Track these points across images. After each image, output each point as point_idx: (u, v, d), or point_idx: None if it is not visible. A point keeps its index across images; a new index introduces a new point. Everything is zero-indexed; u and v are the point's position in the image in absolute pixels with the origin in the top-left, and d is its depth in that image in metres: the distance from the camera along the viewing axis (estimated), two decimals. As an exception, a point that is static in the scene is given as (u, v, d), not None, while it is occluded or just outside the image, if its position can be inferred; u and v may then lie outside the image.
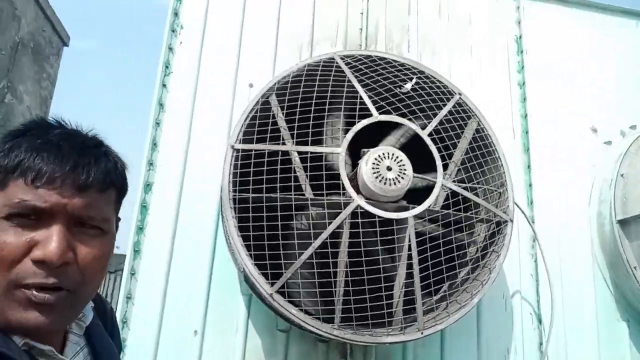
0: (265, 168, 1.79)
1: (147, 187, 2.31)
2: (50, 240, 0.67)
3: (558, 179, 2.97)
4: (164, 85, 2.45)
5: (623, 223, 2.75)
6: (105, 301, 0.98)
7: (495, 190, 2.24)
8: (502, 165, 2.25)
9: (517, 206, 2.43)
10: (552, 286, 2.72)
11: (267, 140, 1.84)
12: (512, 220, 2.19)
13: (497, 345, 2.59)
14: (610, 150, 3.07)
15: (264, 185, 1.80)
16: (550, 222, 2.86)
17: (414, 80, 2.20)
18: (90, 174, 0.71)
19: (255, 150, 1.82)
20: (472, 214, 2.09)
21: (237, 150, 1.84)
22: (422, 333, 1.91)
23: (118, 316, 2.19)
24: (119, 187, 0.80)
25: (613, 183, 2.88)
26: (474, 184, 2.14)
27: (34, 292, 0.67)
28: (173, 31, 2.55)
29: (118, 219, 0.83)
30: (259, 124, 1.87)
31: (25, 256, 0.66)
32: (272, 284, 1.82)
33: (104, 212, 0.75)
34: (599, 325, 2.78)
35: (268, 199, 1.80)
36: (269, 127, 1.85)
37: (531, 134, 3.01)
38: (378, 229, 1.78)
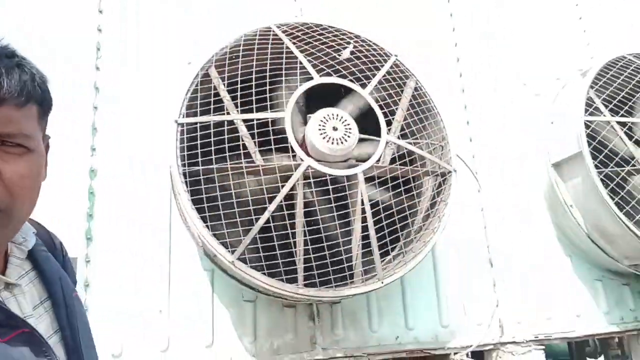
0: (212, 139, 1.81)
1: (92, 172, 2.25)
2: None
3: (494, 130, 3.15)
4: (98, 68, 2.38)
5: (557, 166, 2.97)
6: (54, 235, 0.95)
7: (438, 144, 2.36)
8: (441, 120, 2.37)
9: (460, 158, 2.58)
10: (501, 231, 2.92)
11: (211, 112, 1.85)
12: (455, 170, 2.33)
13: (454, 291, 2.75)
14: (540, 101, 3.28)
15: (214, 157, 1.82)
16: (491, 172, 3.04)
17: (351, 46, 2.27)
18: (3, 86, 0.65)
19: (200, 123, 1.83)
20: (417, 166, 2.20)
21: (182, 125, 1.85)
22: (382, 282, 2.01)
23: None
24: (39, 101, 0.73)
25: (545, 131, 3.10)
26: (416, 139, 2.24)
27: None
28: (100, 12, 2.47)
29: (47, 137, 0.78)
30: (201, 97, 1.88)
31: None
32: (233, 252, 1.85)
33: (25, 128, 0.69)
34: (545, 263, 3.00)
35: (219, 170, 1.83)
36: (212, 99, 1.87)
37: (467, 91, 3.16)
38: (330, 186, 1.84)
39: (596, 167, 2.67)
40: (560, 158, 2.93)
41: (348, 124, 1.93)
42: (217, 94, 1.90)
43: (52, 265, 0.86)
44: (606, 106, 2.82)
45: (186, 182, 1.84)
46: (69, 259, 0.97)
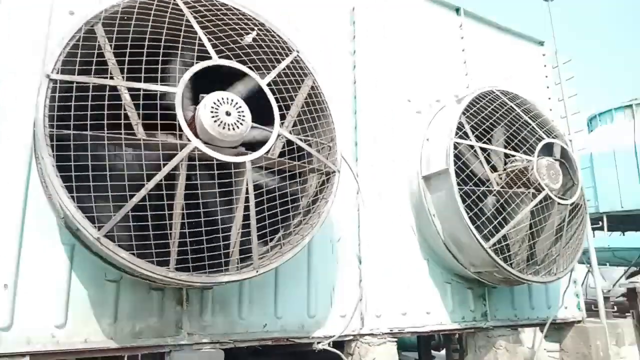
0: (89, 103, 1.65)
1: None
2: None
3: (378, 139, 3.38)
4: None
5: (426, 179, 3.29)
6: None
7: (326, 144, 2.45)
8: (332, 122, 2.47)
9: (345, 160, 2.71)
10: (372, 232, 3.14)
11: (92, 73, 1.69)
12: (339, 171, 2.45)
13: (324, 284, 2.90)
14: (420, 118, 3.60)
15: (88, 122, 1.66)
16: (371, 177, 3.26)
17: (254, 33, 2.25)
18: None
19: (78, 83, 1.66)
20: (304, 162, 2.26)
21: (55, 82, 1.66)
22: (257, 271, 2.03)
23: None
24: None
25: (421, 146, 3.41)
26: (307, 135, 2.31)
27: None
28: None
29: None
30: (82, 55, 1.70)
31: None
32: (100, 228, 1.72)
33: None
34: (406, 264, 3.31)
35: (94, 137, 1.68)
36: (95, 59, 1.71)
37: (359, 99, 3.35)
38: (216, 171, 1.81)
39: (458, 184, 3.01)
40: (429, 172, 3.25)
41: (242, 111, 1.92)
42: (101, 55, 1.74)
43: None
44: (473, 132, 3.19)
45: (52, 145, 1.66)
46: None
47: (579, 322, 4.24)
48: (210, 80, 2.09)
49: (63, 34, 1.71)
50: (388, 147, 3.42)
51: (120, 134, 1.71)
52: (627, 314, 9.16)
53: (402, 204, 3.40)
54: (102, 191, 1.72)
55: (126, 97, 1.70)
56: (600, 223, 11.89)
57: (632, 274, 9.99)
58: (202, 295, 2.44)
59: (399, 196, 3.40)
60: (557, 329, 4.25)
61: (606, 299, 7.13)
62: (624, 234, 13.56)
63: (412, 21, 3.82)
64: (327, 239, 2.95)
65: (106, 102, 1.63)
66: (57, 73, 1.65)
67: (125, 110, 1.70)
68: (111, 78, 1.70)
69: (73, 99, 1.62)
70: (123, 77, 1.71)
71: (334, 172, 2.43)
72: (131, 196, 1.74)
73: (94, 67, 1.67)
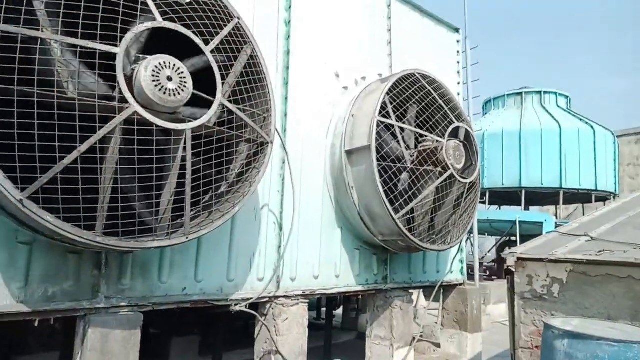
0: (18, 56, 1.51)
1: None
2: None
3: (306, 112, 3.47)
4: None
5: (348, 153, 3.47)
6: None
7: (261, 115, 2.48)
8: (269, 92, 2.50)
9: (277, 131, 2.76)
10: (294, 201, 3.27)
11: (21, 23, 1.53)
12: (272, 143, 2.50)
13: (245, 249, 2.99)
14: (347, 94, 3.75)
15: (16, 76, 1.52)
16: (297, 148, 3.37)
17: (195, -8, 2.16)
18: None
19: (4, 33, 1.50)
20: (241, 133, 2.28)
21: (-23, 27, 1.47)
22: (187, 238, 2.05)
23: None
24: None
25: (345, 121, 3.57)
26: (245, 106, 2.32)
27: None
28: None
29: None
30: (8, 2, 1.53)
31: None
32: (23, 190, 1.61)
33: None
34: (322, 232, 3.52)
35: (21, 93, 1.55)
36: (24, 8, 1.54)
37: (291, 70, 3.38)
38: (155, 138, 1.77)
39: (377, 160, 3.24)
40: (352, 147, 3.43)
41: (184, 77, 1.88)
42: (30, 3, 1.57)
43: None
44: (394, 112, 3.42)
45: (-30, 97, 1.50)
46: None
47: (461, 284, 4.87)
48: (148, 41, 2.00)
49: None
50: (315, 120, 3.53)
51: (52, 90, 1.59)
52: (493, 277, 10.70)
53: (322, 176, 3.57)
54: (29, 151, 1.61)
55: (58, 52, 1.57)
56: (484, 198, 13.41)
57: (502, 244, 11.54)
58: (121, 259, 2.39)
59: (321, 168, 3.56)
60: (442, 291, 4.85)
61: (480, 264, 8.27)
62: (500, 208, 15.44)
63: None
64: (251, 207, 3.03)
65: (37, 57, 1.50)
66: (-21, 17, 1.47)
67: (57, 66, 1.57)
68: (42, 31, 1.55)
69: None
70: (56, 30, 1.57)
71: (268, 143, 2.48)
72: (61, 158, 1.65)
73: (22, 17, 1.51)
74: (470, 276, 5.64)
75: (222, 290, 2.87)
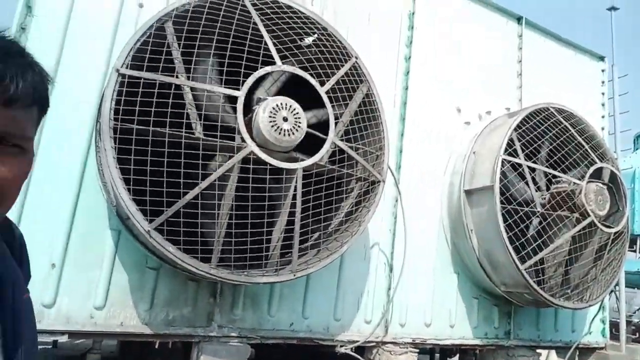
0: (154, 100, 1.67)
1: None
2: None
3: (424, 149, 3.33)
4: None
5: (468, 193, 3.22)
6: (15, 226, 0.88)
7: (374, 153, 2.43)
8: (383, 130, 2.44)
9: (390, 169, 2.68)
10: (407, 241, 3.11)
11: (160, 70, 1.70)
12: (384, 181, 2.42)
13: (353, 288, 2.90)
14: (469, 130, 3.52)
15: (152, 118, 1.68)
16: (412, 186, 3.22)
17: (315, 35, 2.22)
18: (18, 87, 0.62)
19: (145, 79, 1.68)
20: (352, 171, 2.24)
21: (123, 76, 1.68)
22: (294, 275, 2.04)
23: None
24: (43, 103, 0.71)
25: (466, 158, 3.33)
26: (357, 144, 2.29)
27: None
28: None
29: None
30: (150, 52, 1.71)
31: None
32: (151, 221, 1.75)
33: (25, 129, 0.67)
34: (436, 276, 3.28)
35: (155, 133, 1.70)
36: (163, 57, 1.72)
37: (409, 105, 3.29)
38: (268, 176, 1.81)
39: (501, 202, 2.95)
40: (472, 186, 3.18)
41: (299, 118, 1.91)
42: (169, 52, 1.75)
43: (6, 266, 0.78)
44: (523, 150, 3.10)
45: (115, 138, 1.69)
46: (27, 252, 0.89)
47: (601, 348, 4.14)
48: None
49: (131, 29, 1.73)
50: (432, 157, 3.36)
51: (181, 131, 1.72)
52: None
53: (438, 216, 3.36)
54: (157, 186, 1.75)
55: (189, 96, 1.71)
56: (635, 246, 11.52)
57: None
58: (234, 290, 2.48)
59: (437, 207, 3.35)
60: (577, 354, 4.17)
61: (628, 322, 6.97)
62: (655, 258, 13.11)
63: (470, 28, 3.70)
64: (361, 245, 2.95)
65: (170, 101, 1.64)
66: (126, 68, 1.67)
67: (186, 109, 1.71)
68: (177, 77, 1.71)
69: (139, 94, 1.64)
70: (188, 76, 1.71)
71: (380, 181, 2.41)
72: (184, 193, 1.76)
73: (161, 65, 1.68)
74: (615, 336, 4.78)
75: (329, 329, 2.81)
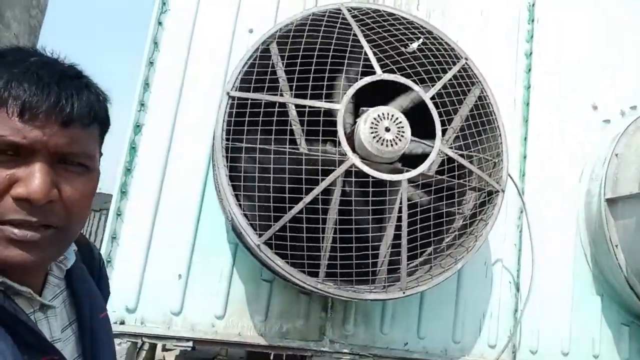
0: (260, 118, 1.74)
1: (137, 128, 2.25)
2: (33, 178, 0.62)
3: (553, 153, 2.96)
4: (160, 23, 2.34)
5: (611, 202, 2.78)
6: (94, 247, 0.94)
7: (491, 160, 2.22)
8: (500, 135, 2.22)
9: (510, 177, 2.43)
10: (534, 257, 2.78)
11: (265, 90, 1.78)
12: (503, 191, 2.20)
13: (474, 308, 2.67)
14: (608, 129, 3.05)
15: (258, 136, 1.76)
16: (540, 195, 2.88)
17: (420, 40, 2.12)
18: (74, 107, 0.65)
19: (252, 100, 1.76)
20: (465, 181, 2.08)
21: (233, 98, 1.79)
22: (404, 293, 1.95)
23: (103, 257, 2.20)
24: (102, 121, 0.74)
25: (606, 162, 2.88)
26: (470, 151, 2.12)
27: (15, 229, 0.63)
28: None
29: (100, 154, 0.78)
30: (257, 73, 1.80)
31: (5, 193, 0.62)
32: (260, 235, 1.82)
33: (87, 148, 0.70)
34: (574, 298, 2.87)
35: (261, 150, 1.77)
36: (267, 77, 1.79)
37: (532, 105, 2.97)
38: (370, 189, 1.77)
39: (655, 213, 2.48)
40: (616, 194, 2.73)
41: (402, 127, 1.83)
42: (273, 72, 1.82)
43: (84, 285, 0.84)
44: (682, 150, 2.59)
45: (227, 156, 1.79)
46: (106, 271, 0.97)
47: None
48: (374, 88, 2.05)
49: (242, 53, 1.84)
50: (562, 162, 2.98)
51: (285, 147, 1.77)
52: None
53: (574, 228, 2.94)
54: (264, 200, 1.82)
55: (293, 112, 1.75)
56: None
57: None
58: (346, 304, 2.45)
59: (571, 219, 2.94)
60: None
61: None
62: None
63: (600, 12, 3.23)
64: (481, 261, 2.71)
65: (275, 118, 1.70)
66: (236, 90, 1.77)
67: (290, 125, 1.75)
68: (281, 95, 1.76)
69: (247, 114, 1.73)
70: (291, 93, 1.76)
71: (498, 191, 2.19)
72: (290, 208, 1.80)
73: (266, 85, 1.76)
74: None
75: (447, 352, 2.62)
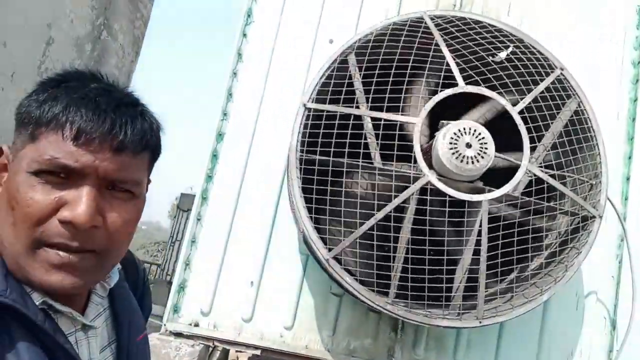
0: (335, 131, 1.72)
1: (220, 136, 2.34)
2: (80, 202, 0.64)
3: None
4: (245, 35, 2.42)
5: None
6: (139, 263, 0.96)
7: (587, 182, 2.00)
8: (599, 154, 1.99)
9: (610, 201, 2.17)
10: (635, 292, 2.46)
11: (341, 102, 1.75)
12: (601, 217, 1.96)
13: (560, 345, 2.42)
14: None
15: (332, 149, 1.73)
16: (645, 221, 2.55)
17: (510, 49, 1.98)
18: (127, 134, 0.67)
19: (327, 111, 1.74)
20: (555, 204, 1.89)
21: (309, 110, 1.78)
22: (480, 322, 1.80)
23: (183, 258, 2.31)
24: (154, 149, 0.76)
25: None
26: (563, 171, 1.92)
27: (59, 252, 0.64)
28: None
29: (149, 181, 0.79)
30: (334, 84, 1.78)
31: (52, 215, 0.64)
32: (330, 250, 1.78)
33: (136, 175, 0.71)
34: (685, 341, 2.49)
35: (335, 163, 1.74)
36: (344, 88, 1.76)
37: (638, 121, 2.64)
38: (447, 209, 1.66)
39: None
40: None
41: (485, 143, 1.70)
42: (350, 84, 1.79)
43: (126, 305, 0.86)
44: None
45: (301, 168, 1.79)
46: (149, 288, 0.98)
47: None
48: (456, 99, 1.94)
49: (322, 64, 1.83)
50: (675, 185, 2.61)
51: (359, 161, 1.72)
52: None
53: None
54: (336, 214, 1.78)
55: (368, 125, 1.71)
56: None
57: None
58: (417, 327, 2.33)
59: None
60: None
61: None
62: None
63: None
64: (571, 291, 2.45)
65: (349, 131, 1.66)
66: (312, 102, 1.77)
67: (365, 138, 1.71)
68: (357, 107, 1.73)
69: (322, 126, 1.71)
70: (367, 105, 1.71)
71: (594, 217, 1.96)
72: (361, 223, 1.74)
73: (342, 97, 1.73)
74: None
75: (527, 388, 2.39)
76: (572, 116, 1.99)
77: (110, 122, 0.66)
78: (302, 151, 1.79)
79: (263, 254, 2.27)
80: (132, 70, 6.62)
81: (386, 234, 1.73)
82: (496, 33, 1.92)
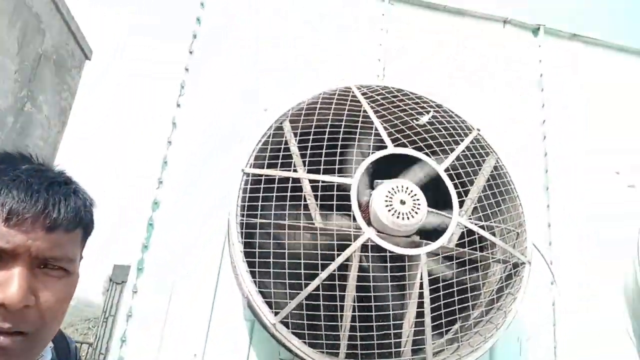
0: (274, 194, 1.76)
1: (155, 204, 2.29)
2: (11, 283, 0.63)
3: (579, 219, 2.86)
4: (178, 105, 2.47)
5: (651, 272, 2.62)
6: (70, 340, 0.93)
7: (513, 230, 2.16)
8: (520, 204, 2.18)
9: (536, 247, 2.34)
10: (570, 335, 2.59)
11: (279, 166, 1.82)
12: (529, 262, 2.10)
13: (509, 393, 2.46)
14: (635, 194, 2.96)
15: (273, 212, 1.76)
16: (570, 264, 2.74)
17: (430, 114, 2.17)
18: (60, 212, 0.68)
19: (266, 176, 1.80)
20: (488, 253, 2.01)
21: (248, 175, 1.82)
22: (430, 376, 1.81)
23: (118, 334, 2.16)
24: (86, 225, 0.76)
25: (637, 225, 2.75)
26: (491, 222, 2.07)
27: None
28: (191, 53, 2.59)
29: (81, 258, 0.78)
30: (270, 150, 1.85)
31: None
32: (276, 314, 1.76)
33: (69, 252, 0.71)
34: (622, 378, 2.62)
35: (276, 226, 1.77)
36: (281, 153, 1.83)
37: (550, 172, 2.93)
38: (389, 264, 1.72)
39: None
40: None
41: (417, 199, 1.81)
42: (286, 149, 1.87)
43: None
44: None
45: (242, 232, 1.80)
46: None
47: None
48: (387, 161, 2.07)
49: (258, 132, 1.90)
50: (591, 229, 2.86)
51: (299, 222, 1.76)
52: None
53: (612, 298, 2.75)
54: (281, 277, 1.78)
55: (307, 187, 1.77)
56: None
57: None
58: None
59: (606, 287, 2.77)
60: None
61: None
62: None
63: (606, 75, 3.27)
64: (513, 337, 2.53)
65: (289, 194, 1.71)
66: (250, 167, 1.82)
67: (305, 200, 1.76)
68: (294, 170, 1.79)
69: (261, 190, 1.75)
70: (304, 169, 1.78)
71: (524, 263, 2.10)
72: (306, 284, 1.75)
73: (280, 161, 1.79)
74: None
75: None
76: (492, 171, 2.18)
77: (43, 202, 0.66)
78: (242, 215, 1.80)
79: (206, 323, 2.18)
80: (58, 141, 6.40)
81: (332, 293, 1.74)
82: (417, 100, 2.11)
